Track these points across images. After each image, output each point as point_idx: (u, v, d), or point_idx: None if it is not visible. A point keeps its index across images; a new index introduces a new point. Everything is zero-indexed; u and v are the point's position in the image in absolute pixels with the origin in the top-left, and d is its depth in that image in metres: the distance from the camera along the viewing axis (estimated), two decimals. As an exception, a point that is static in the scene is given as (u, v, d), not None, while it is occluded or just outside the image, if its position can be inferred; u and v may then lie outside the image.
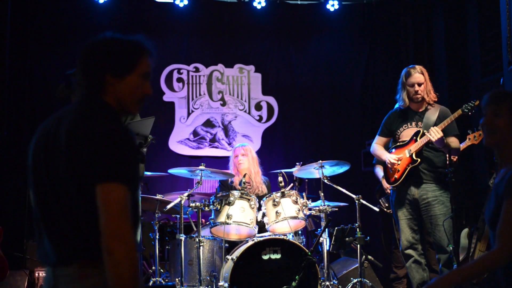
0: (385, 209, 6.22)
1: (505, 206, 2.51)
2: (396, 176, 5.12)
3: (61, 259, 2.04)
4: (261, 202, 5.44)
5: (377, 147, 5.35)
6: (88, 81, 2.16)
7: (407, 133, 5.17)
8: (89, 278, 1.99)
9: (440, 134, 4.82)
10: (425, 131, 4.96)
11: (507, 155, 2.63)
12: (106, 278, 1.92)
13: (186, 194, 5.38)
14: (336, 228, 6.05)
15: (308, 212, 5.41)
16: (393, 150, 5.23)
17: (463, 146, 5.19)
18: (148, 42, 2.23)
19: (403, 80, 5.14)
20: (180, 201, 5.31)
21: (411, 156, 5.02)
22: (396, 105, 5.29)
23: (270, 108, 8.21)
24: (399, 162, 5.08)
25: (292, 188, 5.76)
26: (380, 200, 6.29)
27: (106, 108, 2.13)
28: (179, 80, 8.06)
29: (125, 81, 2.15)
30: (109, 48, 2.17)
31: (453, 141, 5.00)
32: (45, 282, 2.15)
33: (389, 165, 5.14)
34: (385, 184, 5.44)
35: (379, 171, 5.73)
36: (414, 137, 5.06)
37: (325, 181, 5.51)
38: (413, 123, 5.15)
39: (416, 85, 5.06)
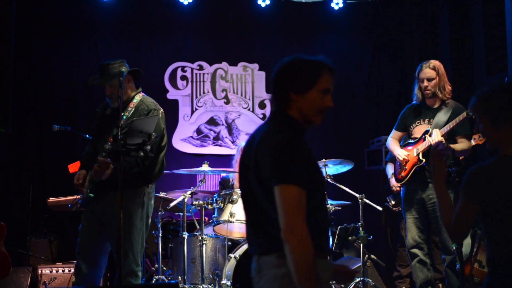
0: (392, 208, 6.20)
1: None
2: (403, 174, 5.10)
3: (263, 250, 2.46)
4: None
5: (392, 141, 5.31)
6: (276, 98, 2.57)
7: (419, 129, 5.12)
8: (284, 266, 2.34)
9: (439, 138, 4.77)
10: (435, 130, 4.91)
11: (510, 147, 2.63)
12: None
13: (189, 192, 5.39)
14: (339, 227, 6.04)
15: (311, 211, 5.39)
16: (404, 147, 5.19)
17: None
18: (328, 61, 2.57)
19: (416, 74, 5.10)
20: (184, 199, 5.31)
21: (418, 155, 4.98)
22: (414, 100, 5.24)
23: (274, 106, 8.19)
24: (408, 160, 5.05)
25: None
26: (387, 198, 6.27)
27: (290, 121, 2.53)
28: (183, 78, 8.06)
29: (306, 96, 2.51)
30: (292, 69, 2.54)
31: (461, 142, 4.93)
32: (253, 267, 2.54)
33: (398, 160, 5.12)
34: (392, 182, 5.41)
35: (390, 168, 5.70)
36: (424, 136, 5.01)
37: (329, 180, 5.50)
38: (426, 120, 5.08)
39: (425, 81, 5.01)
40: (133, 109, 4.44)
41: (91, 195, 4.23)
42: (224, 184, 6.15)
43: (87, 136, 4.76)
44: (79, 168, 4.45)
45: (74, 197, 4.41)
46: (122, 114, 4.37)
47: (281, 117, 2.53)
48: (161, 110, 4.54)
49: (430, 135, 4.88)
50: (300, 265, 2.26)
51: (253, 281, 2.53)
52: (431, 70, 5.01)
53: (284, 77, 2.54)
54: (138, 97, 4.53)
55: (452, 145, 4.82)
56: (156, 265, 5.85)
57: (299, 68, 2.53)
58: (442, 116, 5.01)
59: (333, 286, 5.20)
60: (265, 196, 2.40)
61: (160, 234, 5.70)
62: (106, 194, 4.24)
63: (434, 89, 5.00)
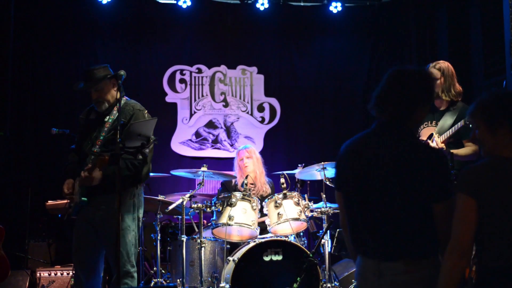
0: None
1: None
2: None
3: (388, 256, 2.54)
4: (263, 203, 5.43)
5: None
6: (399, 110, 2.64)
7: (425, 132, 5.05)
8: (411, 273, 2.50)
9: (439, 146, 4.72)
10: (435, 135, 4.85)
11: (506, 151, 2.64)
12: (423, 274, 2.50)
13: (188, 195, 5.38)
14: (338, 230, 6.03)
15: (310, 214, 5.40)
16: None
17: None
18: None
19: None
20: (182, 202, 5.31)
21: None
22: None
23: (272, 109, 8.21)
24: None
25: (293, 190, 5.75)
26: None
27: (412, 132, 2.70)
28: (182, 81, 8.06)
29: (425, 108, 2.68)
30: (423, 83, 2.67)
31: (468, 145, 4.80)
32: (367, 271, 2.62)
33: None
34: None
35: None
36: (428, 140, 4.96)
37: (327, 182, 5.50)
38: (433, 122, 4.97)
39: None
40: (116, 111, 4.44)
41: (84, 199, 4.19)
42: (227, 186, 6.15)
43: (72, 146, 4.74)
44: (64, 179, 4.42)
45: (65, 201, 4.41)
46: (108, 117, 4.41)
47: (408, 128, 2.65)
48: (146, 110, 4.52)
49: (432, 141, 4.85)
50: (454, 277, 2.50)
51: (365, 285, 2.64)
52: (435, 70, 4.84)
53: (417, 89, 2.64)
54: (122, 101, 4.52)
55: (455, 150, 4.69)
56: (154, 268, 5.84)
57: (426, 81, 2.70)
58: (448, 119, 4.92)
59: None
60: (409, 208, 2.51)
61: (158, 237, 5.69)
62: (95, 198, 4.22)
63: (437, 89, 4.90)
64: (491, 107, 2.67)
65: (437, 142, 4.75)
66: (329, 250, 5.44)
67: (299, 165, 5.76)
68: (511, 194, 2.52)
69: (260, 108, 8.20)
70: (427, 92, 2.68)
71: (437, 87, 4.84)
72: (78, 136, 4.59)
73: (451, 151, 4.68)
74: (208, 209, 5.29)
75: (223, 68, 8.16)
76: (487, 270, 2.63)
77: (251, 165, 6.07)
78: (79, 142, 4.53)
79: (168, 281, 5.66)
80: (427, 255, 2.54)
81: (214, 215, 5.30)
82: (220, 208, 5.26)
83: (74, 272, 4.34)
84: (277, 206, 5.28)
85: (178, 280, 5.31)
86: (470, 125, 4.58)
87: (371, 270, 2.59)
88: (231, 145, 7.99)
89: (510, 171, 2.58)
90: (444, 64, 4.92)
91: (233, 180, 6.13)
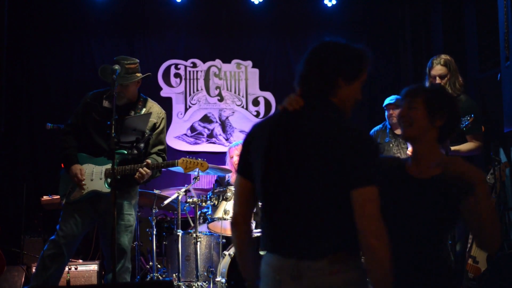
0: None
1: None
2: None
3: (308, 254, 2.14)
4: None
5: None
6: (321, 83, 2.29)
7: None
8: (341, 273, 2.12)
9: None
10: None
11: (423, 149, 2.62)
12: (350, 276, 2.12)
13: (183, 189, 5.38)
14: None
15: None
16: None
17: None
18: (369, 52, 2.39)
19: (427, 71, 4.89)
20: (178, 196, 5.31)
21: None
22: None
23: (267, 103, 8.20)
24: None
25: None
26: None
27: (339, 110, 2.29)
28: (177, 75, 8.05)
29: (352, 86, 2.31)
30: (345, 55, 2.31)
31: (471, 141, 4.74)
32: (280, 270, 2.21)
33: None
34: None
35: None
36: None
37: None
38: None
39: (437, 78, 4.79)
40: (142, 107, 4.47)
41: (109, 189, 4.31)
42: (220, 181, 6.15)
43: (61, 126, 4.71)
44: (68, 164, 4.40)
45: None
46: (133, 112, 4.48)
47: (332, 106, 2.28)
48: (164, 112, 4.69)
49: None
50: (387, 272, 2.07)
51: (277, 284, 2.21)
52: (442, 67, 4.80)
53: (337, 61, 2.29)
54: (141, 98, 4.57)
55: (457, 146, 4.65)
56: (150, 263, 5.85)
57: (351, 54, 2.32)
58: None
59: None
60: (331, 194, 2.13)
61: (154, 232, 5.70)
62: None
63: (445, 84, 4.78)
64: (433, 96, 2.64)
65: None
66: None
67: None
68: None
69: (255, 102, 8.20)
70: (349, 65, 2.30)
71: (445, 83, 4.80)
72: (82, 118, 4.48)
73: (452, 148, 4.64)
74: (204, 203, 5.30)
75: (218, 62, 8.15)
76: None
77: (241, 163, 6.05)
78: (87, 126, 4.45)
79: (164, 276, 5.66)
80: (355, 253, 2.18)
81: (210, 209, 5.30)
82: (216, 202, 5.26)
83: (56, 240, 4.30)
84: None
85: (174, 274, 5.31)
86: (464, 129, 4.59)
87: (286, 271, 2.17)
88: (226, 139, 7.99)
89: None
90: (448, 58, 4.87)
91: (226, 176, 6.13)
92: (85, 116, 4.47)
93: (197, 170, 5.37)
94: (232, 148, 6.21)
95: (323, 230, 2.14)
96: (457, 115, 2.68)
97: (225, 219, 5.17)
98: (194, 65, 8.10)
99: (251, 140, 2.36)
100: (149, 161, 4.29)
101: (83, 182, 4.30)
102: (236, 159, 6.07)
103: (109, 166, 4.26)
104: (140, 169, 4.20)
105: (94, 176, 4.32)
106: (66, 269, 5.95)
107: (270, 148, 2.25)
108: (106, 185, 4.32)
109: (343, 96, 2.30)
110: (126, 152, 4.32)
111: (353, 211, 2.08)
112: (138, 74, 4.42)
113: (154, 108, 4.59)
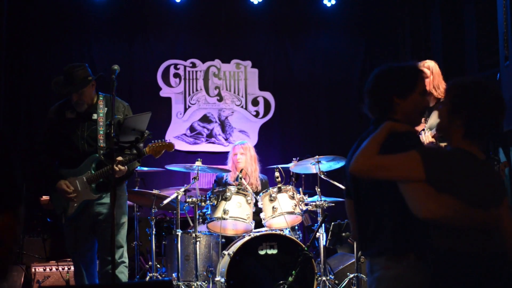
0: None
1: None
2: None
3: (375, 253, 2.62)
4: (258, 197, 5.44)
5: None
6: (379, 105, 2.68)
7: (417, 129, 5.07)
8: (392, 269, 2.53)
9: (429, 140, 4.74)
10: (426, 131, 4.87)
11: (449, 141, 2.65)
12: (402, 271, 2.51)
13: (182, 189, 5.38)
14: (332, 223, 6.05)
15: (304, 208, 5.41)
16: None
17: None
18: (416, 66, 2.74)
19: None
20: (177, 196, 5.31)
21: None
22: None
23: (267, 103, 8.20)
24: None
25: (288, 184, 5.75)
26: None
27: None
28: (176, 75, 8.05)
29: (408, 100, 2.62)
30: (393, 75, 2.66)
31: None
32: (367, 268, 2.73)
33: None
34: None
35: None
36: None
37: (322, 176, 5.51)
38: (424, 119, 5.04)
39: None
40: (104, 105, 4.45)
41: (98, 194, 4.39)
42: (219, 181, 6.15)
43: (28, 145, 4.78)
44: (53, 183, 4.42)
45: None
46: (95, 114, 4.44)
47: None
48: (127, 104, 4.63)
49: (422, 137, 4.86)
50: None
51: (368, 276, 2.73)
52: (424, 69, 4.96)
53: (387, 83, 2.65)
54: (101, 96, 4.53)
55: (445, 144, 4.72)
56: (150, 263, 5.84)
57: (399, 73, 2.66)
58: (435, 116, 4.97)
59: (327, 281, 5.21)
60: (383, 200, 2.56)
61: (153, 232, 5.69)
62: (101, 193, 4.41)
63: (429, 87, 4.96)
64: (460, 92, 2.62)
65: (426, 137, 4.79)
66: (324, 243, 5.45)
67: (293, 158, 5.76)
68: None
69: (255, 102, 8.20)
70: (399, 82, 2.64)
71: (428, 84, 4.89)
72: (50, 136, 4.52)
73: (441, 144, 4.69)
74: (203, 203, 5.30)
75: (217, 62, 8.15)
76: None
77: (243, 162, 6.06)
78: (53, 143, 4.49)
79: (163, 275, 5.67)
80: (405, 252, 2.53)
81: (209, 209, 5.30)
82: (215, 202, 5.26)
83: (74, 264, 4.54)
84: (272, 199, 5.29)
85: (173, 274, 5.32)
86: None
87: (367, 268, 2.71)
88: (226, 139, 7.99)
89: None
90: (431, 62, 5.03)
91: (224, 175, 6.13)
92: (53, 132, 4.50)
93: (197, 169, 5.39)
94: (237, 146, 6.20)
95: (382, 234, 2.56)
96: (481, 111, 2.55)
97: (224, 219, 5.17)
98: (194, 65, 8.10)
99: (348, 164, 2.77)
100: (120, 158, 4.29)
101: (72, 195, 4.33)
102: (239, 157, 6.07)
103: (88, 173, 4.35)
104: (115, 167, 4.19)
105: (80, 187, 4.37)
106: (66, 269, 5.98)
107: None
108: (93, 192, 4.39)
109: (403, 110, 2.62)
110: (97, 155, 4.36)
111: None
112: (89, 78, 4.39)
113: (117, 105, 4.47)
